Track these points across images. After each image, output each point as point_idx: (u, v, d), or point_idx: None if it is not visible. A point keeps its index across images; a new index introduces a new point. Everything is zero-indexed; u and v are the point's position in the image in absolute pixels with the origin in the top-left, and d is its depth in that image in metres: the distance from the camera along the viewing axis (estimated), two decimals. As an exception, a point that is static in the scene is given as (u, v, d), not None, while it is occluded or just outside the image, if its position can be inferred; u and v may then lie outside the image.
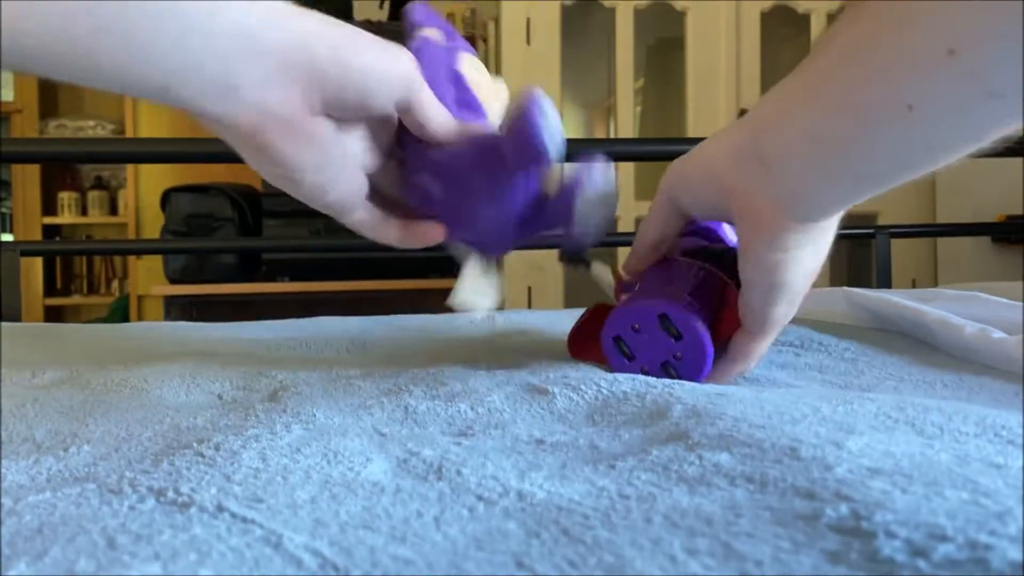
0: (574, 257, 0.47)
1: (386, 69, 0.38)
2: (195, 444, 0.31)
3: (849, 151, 0.33)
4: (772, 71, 2.46)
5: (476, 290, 0.45)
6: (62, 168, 3.15)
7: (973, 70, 0.28)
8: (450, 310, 0.46)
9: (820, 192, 0.36)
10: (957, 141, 0.31)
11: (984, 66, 0.28)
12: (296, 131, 0.36)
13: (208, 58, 0.33)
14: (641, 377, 0.41)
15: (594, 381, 0.41)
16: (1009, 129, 0.30)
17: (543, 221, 0.44)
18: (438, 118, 0.41)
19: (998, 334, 0.54)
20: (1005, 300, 0.62)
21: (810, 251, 0.39)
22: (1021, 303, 0.66)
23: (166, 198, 2.27)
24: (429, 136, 0.41)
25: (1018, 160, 1.68)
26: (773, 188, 0.37)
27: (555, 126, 0.39)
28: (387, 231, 0.44)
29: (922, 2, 0.29)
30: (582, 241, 0.44)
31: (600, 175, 0.42)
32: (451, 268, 0.46)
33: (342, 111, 0.38)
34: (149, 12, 0.31)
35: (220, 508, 0.24)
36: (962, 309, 0.63)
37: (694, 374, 0.43)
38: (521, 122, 0.39)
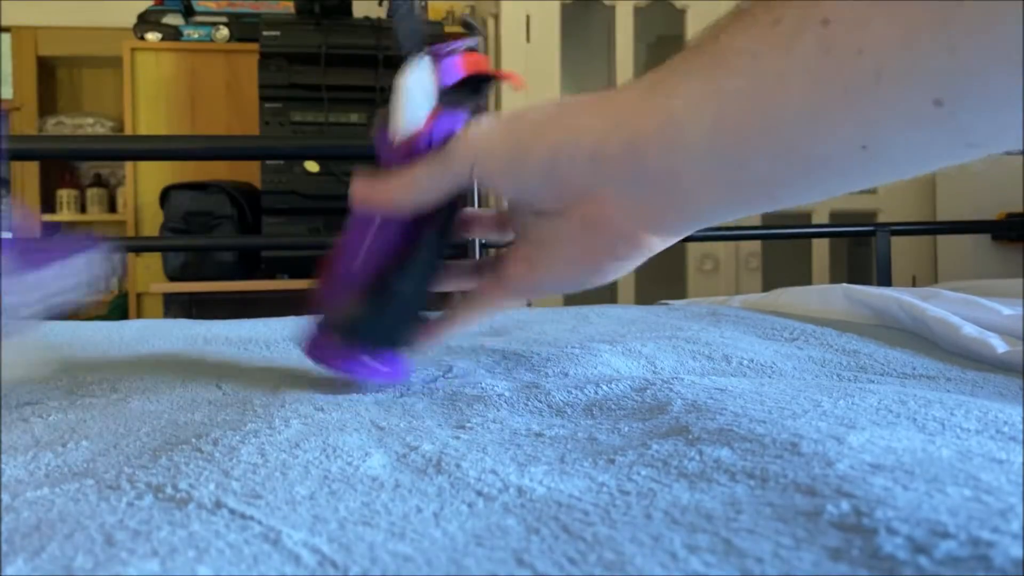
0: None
1: None
2: (193, 440, 0.31)
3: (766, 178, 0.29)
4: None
5: None
6: (61, 166, 3.15)
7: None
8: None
9: (716, 214, 0.32)
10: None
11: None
12: None
13: None
14: (640, 373, 0.41)
15: (593, 375, 0.41)
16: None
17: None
18: None
19: (996, 339, 0.53)
20: (1002, 307, 0.62)
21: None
22: (1020, 300, 0.66)
23: (165, 195, 2.26)
24: None
25: (1018, 158, 1.68)
26: (650, 201, 0.32)
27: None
28: None
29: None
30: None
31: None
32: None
33: None
34: None
35: (218, 504, 0.23)
36: (960, 310, 0.63)
37: None
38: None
